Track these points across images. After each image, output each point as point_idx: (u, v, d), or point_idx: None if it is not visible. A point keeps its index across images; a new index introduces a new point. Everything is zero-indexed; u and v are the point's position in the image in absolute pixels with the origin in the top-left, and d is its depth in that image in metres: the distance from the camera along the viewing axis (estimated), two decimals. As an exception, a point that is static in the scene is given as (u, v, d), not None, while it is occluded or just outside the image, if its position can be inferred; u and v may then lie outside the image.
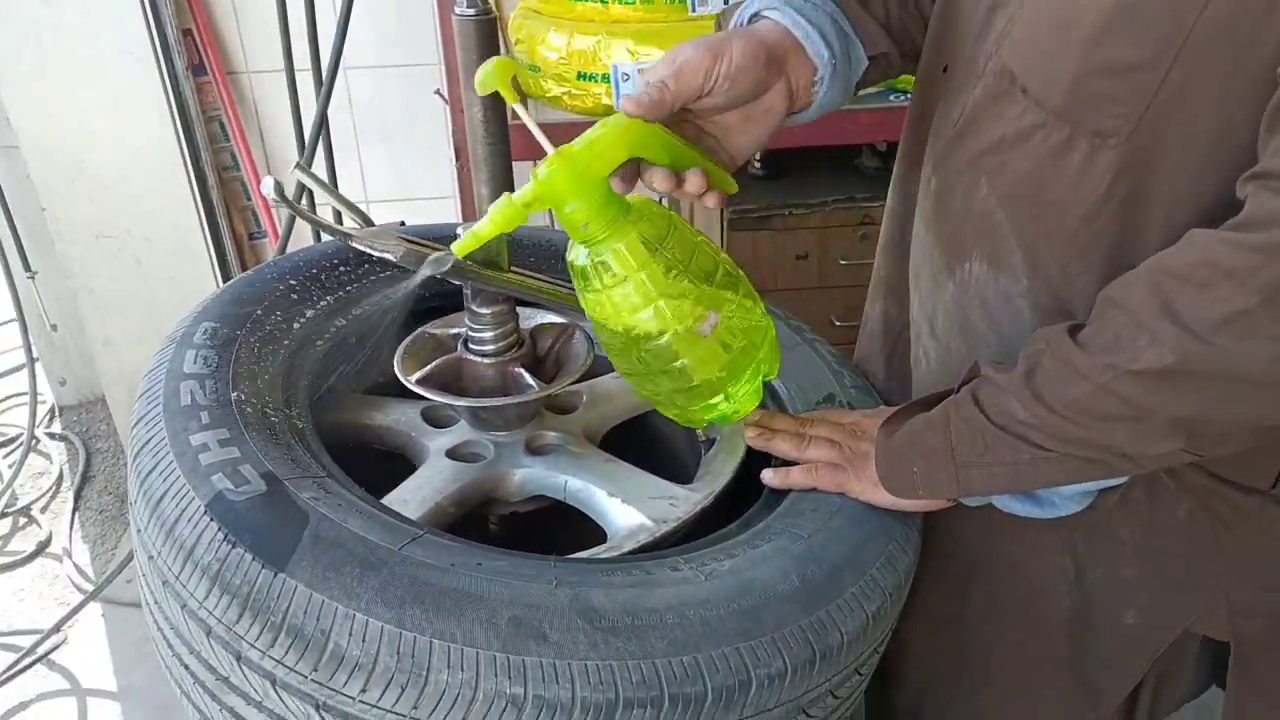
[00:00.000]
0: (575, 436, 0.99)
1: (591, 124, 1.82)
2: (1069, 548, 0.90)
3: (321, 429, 0.98)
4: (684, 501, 0.89)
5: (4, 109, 2.18)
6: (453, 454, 0.95)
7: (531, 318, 1.03)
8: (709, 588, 0.74)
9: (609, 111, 1.80)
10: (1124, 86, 0.67)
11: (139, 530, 0.77)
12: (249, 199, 2.45)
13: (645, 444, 1.10)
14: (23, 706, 1.95)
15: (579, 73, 1.80)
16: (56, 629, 2.06)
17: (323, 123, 1.67)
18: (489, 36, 1.38)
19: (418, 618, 0.66)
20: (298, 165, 1.25)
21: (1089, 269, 0.75)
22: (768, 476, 0.92)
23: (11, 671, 1.99)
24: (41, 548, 2.35)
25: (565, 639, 0.67)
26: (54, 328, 2.59)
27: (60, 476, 2.57)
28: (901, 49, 0.93)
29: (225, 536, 0.69)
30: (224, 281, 2.38)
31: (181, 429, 0.78)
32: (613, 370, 1.12)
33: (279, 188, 0.82)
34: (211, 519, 0.70)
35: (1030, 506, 0.83)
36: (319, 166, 1.90)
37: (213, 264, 2.37)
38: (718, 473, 0.94)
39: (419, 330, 1.02)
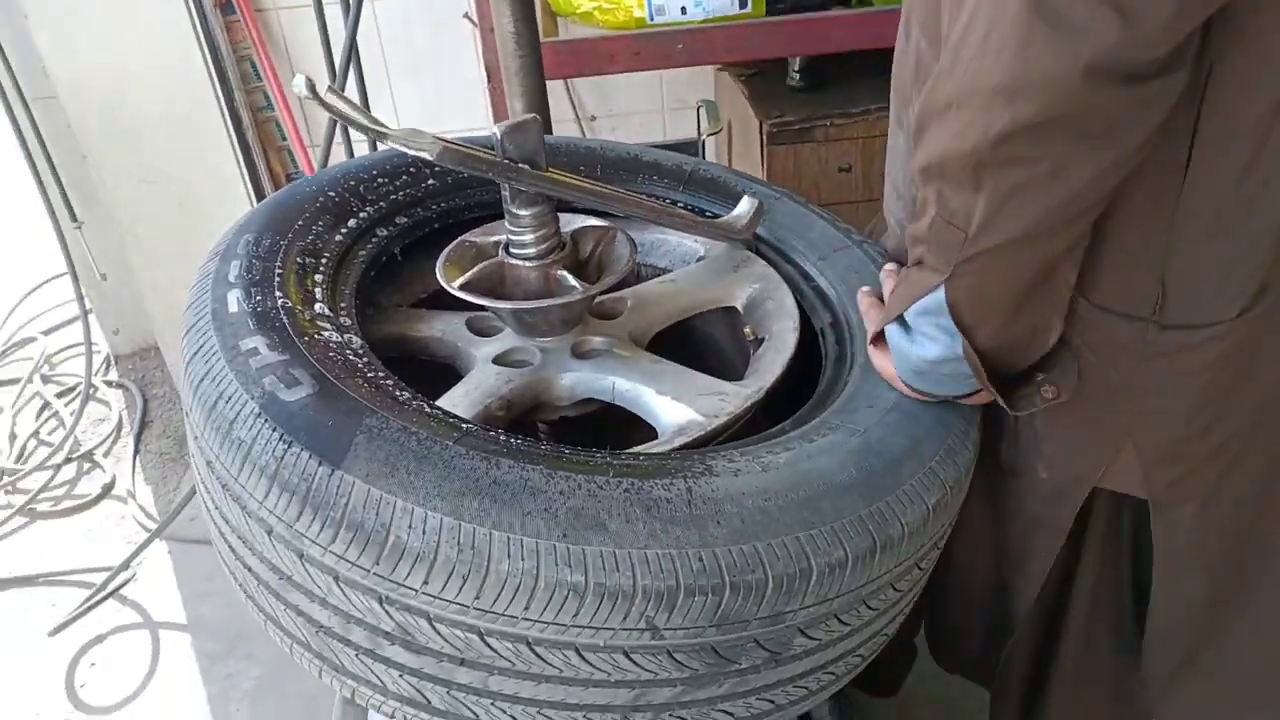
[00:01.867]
0: (621, 340, 0.98)
1: (624, 38, 1.79)
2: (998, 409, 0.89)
3: (369, 344, 0.99)
4: (734, 397, 0.87)
5: (40, 58, 2.18)
6: (499, 360, 0.95)
7: (572, 222, 1.01)
8: (767, 479, 0.73)
9: (641, 25, 1.77)
10: None
11: (195, 437, 0.78)
12: (284, 139, 2.45)
13: (691, 349, 1.09)
14: (99, 640, 2.02)
15: (609, -14, 1.76)
16: (125, 566, 2.12)
17: (352, 49, 1.65)
18: (515, -57, 1.35)
19: (475, 510, 0.66)
20: (329, 88, 1.23)
21: None
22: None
23: (86, 606, 2.06)
24: (106, 490, 2.42)
25: (625, 529, 0.66)
26: (104, 277, 2.63)
27: (120, 422, 2.63)
28: None
29: (280, 436, 0.69)
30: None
31: (231, 335, 0.78)
32: (655, 277, 1.11)
33: (310, 83, 0.80)
34: (266, 420, 0.70)
35: (905, 342, 0.82)
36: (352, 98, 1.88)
37: (252, 205, 2.38)
38: (767, 369, 0.92)
39: (459, 239, 1.01)
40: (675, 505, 0.68)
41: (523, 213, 0.92)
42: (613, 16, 1.78)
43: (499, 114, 1.72)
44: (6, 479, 2.42)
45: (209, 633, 2.03)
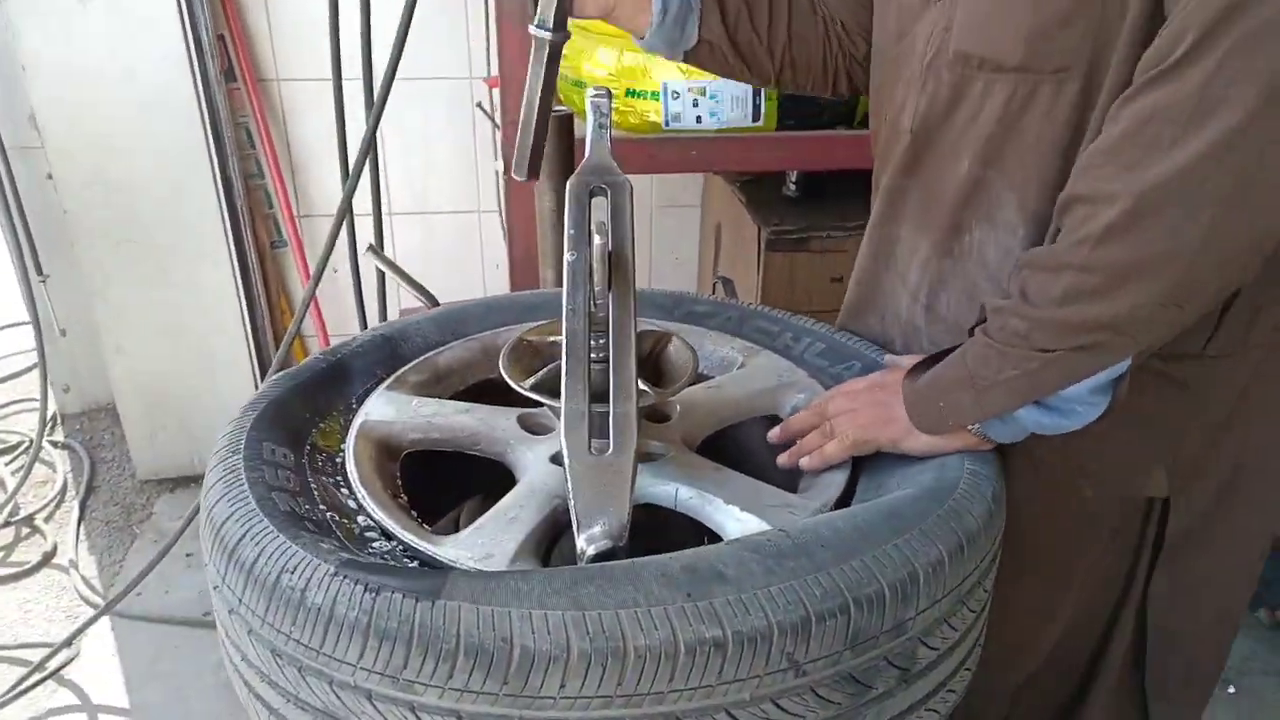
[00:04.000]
0: (676, 445, 0.98)
1: (641, 142, 1.85)
2: (1026, 446, 0.95)
3: (413, 435, 0.98)
4: (803, 510, 0.88)
5: (29, 108, 2.14)
6: (556, 460, 0.94)
7: (629, 326, 1.02)
8: (848, 510, 0.79)
9: (657, 130, 1.82)
10: (1072, 32, 0.81)
11: (250, 630, 0.72)
12: (271, 206, 2.43)
13: (728, 456, 1.10)
14: (33, 723, 1.89)
15: (628, 90, 1.81)
16: (68, 643, 1.99)
17: (371, 145, 1.65)
18: (555, 59, 1.39)
19: (594, 595, 0.65)
20: (370, 248, 1.25)
21: None
22: (803, 463, 0.95)
23: (21, 687, 1.92)
24: (47, 558, 2.29)
25: (741, 573, 0.68)
26: (63, 333, 2.54)
27: (64, 486, 2.51)
28: (744, 58, 1.15)
29: (366, 588, 0.66)
30: (244, 292, 2.35)
31: (286, 526, 0.76)
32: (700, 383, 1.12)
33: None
34: (345, 578, 0.67)
35: (1058, 419, 0.87)
36: (364, 185, 1.87)
37: (234, 272, 2.34)
38: (828, 483, 0.93)
39: (515, 338, 1.01)
40: (776, 541, 0.71)
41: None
42: (627, 120, 1.83)
43: (514, 203, 1.74)
44: (-62, 542, 2.27)
45: (152, 718, 1.91)
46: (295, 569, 0.69)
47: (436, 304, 1.57)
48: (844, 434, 0.93)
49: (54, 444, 2.64)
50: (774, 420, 1.09)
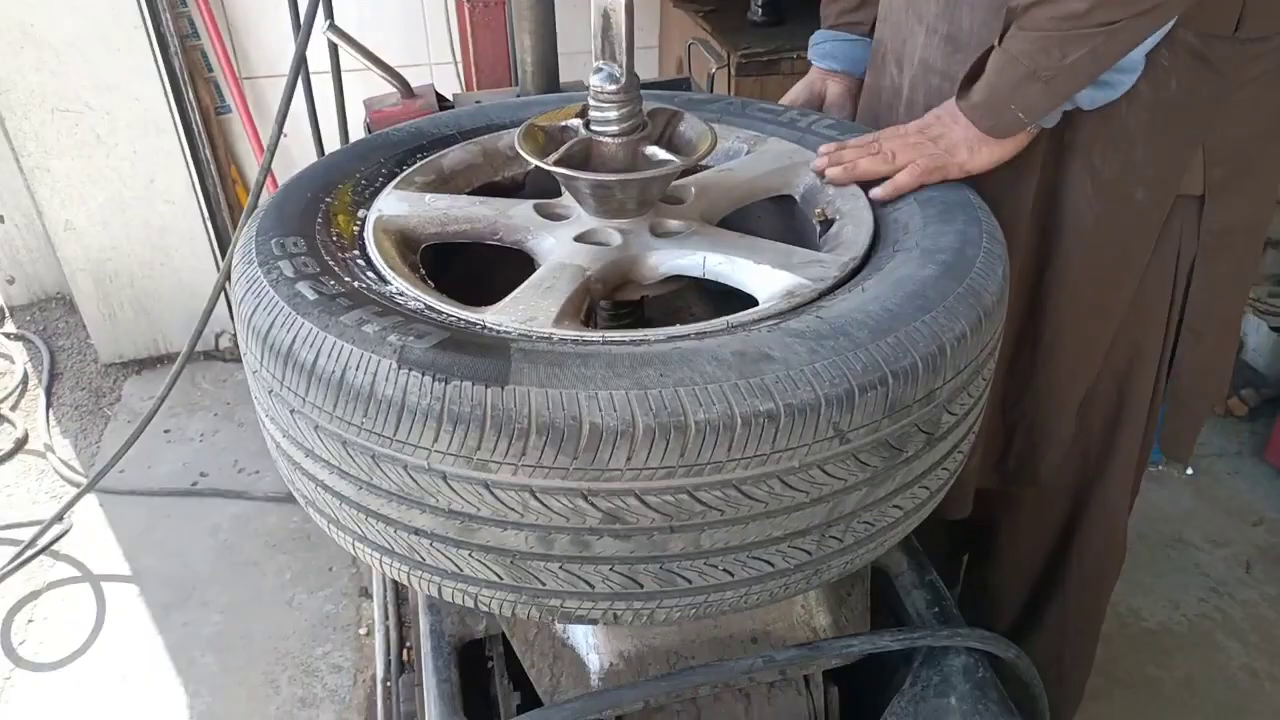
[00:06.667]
0: (696, 222, 0.99)
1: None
2: (1086, 154, 1.04)
3: (431, 229, 0.96)
4: (832, 264, 0.89)
5: (-63, -34, 1.99)
6: (581, 240, 0.94)
7: (639, 105, 1.01)
8: (871, 293, 0.80)
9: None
10: None
11: (316, 427, 0.72)
12: (211, 69, 2.31)
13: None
14: (34, 596, 1.89)
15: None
16: (59, 518, 1.97)
17: None
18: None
19: (654, 377, 0.67)
20: (330, 25, 1.17)
21: None
22: (876, 192, 0.98)
23: (17, 561, 1.91)
24: (20, 445, 2.24)
25: (788, 354, 0.70)
26: (0, 219, 2.42)
27: (25, 376, 2.44)
28: None
29: (435, 377, 0.67)
30: (193, 159, 2.25)
31: (326, 315, 0.75)
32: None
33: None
34: (411, 369, 0.68)
35: (1105, 92, 0.93)
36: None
37: (180, 139, 2.24)
38: (851, 241, 0.95)
39: (526, 124, 0.99)
40: (816, 327, 0.74)
41: (610, 88, 0.91)
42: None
43: (470, 50, 1.67)
44: (-97, 436, 2.21)
45: (158, 583, 1.92)
46: (360, 366, 0.69)
47: (409, 89, 1.51)
48: (914, 162, 0.96)
49: (8, 336, 2.55)
50: (787, 199, 1.10)
